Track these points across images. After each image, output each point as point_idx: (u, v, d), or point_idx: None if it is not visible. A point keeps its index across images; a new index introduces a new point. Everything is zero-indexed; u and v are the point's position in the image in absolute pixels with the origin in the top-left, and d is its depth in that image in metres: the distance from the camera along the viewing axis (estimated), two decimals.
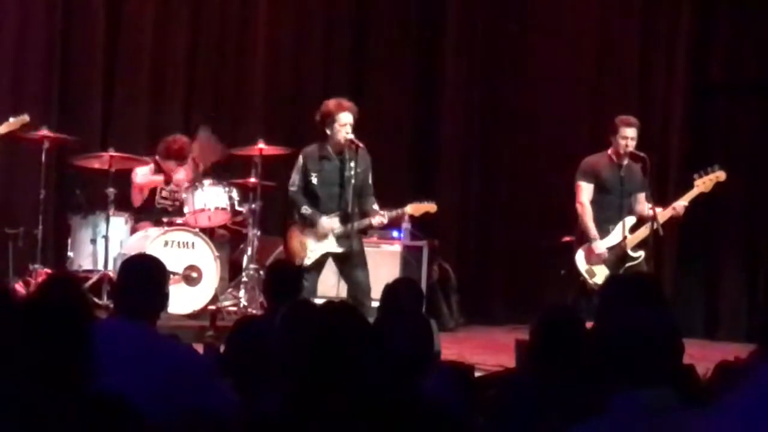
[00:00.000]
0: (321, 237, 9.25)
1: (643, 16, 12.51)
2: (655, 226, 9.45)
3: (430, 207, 9.68)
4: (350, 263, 9.24)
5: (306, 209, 9.24)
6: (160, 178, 10.66)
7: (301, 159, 9.36)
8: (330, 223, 9.22)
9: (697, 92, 12.28)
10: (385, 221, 9.56)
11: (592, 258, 9.62)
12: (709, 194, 9.79)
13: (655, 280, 6.76)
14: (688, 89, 12.25)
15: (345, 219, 9.23)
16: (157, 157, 10.64)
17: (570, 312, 5.06)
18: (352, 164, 9.19)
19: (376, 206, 9.41)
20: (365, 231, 9.85)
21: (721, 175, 9.73)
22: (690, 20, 12.24)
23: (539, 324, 4.76)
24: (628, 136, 9.56)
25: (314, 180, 9.27)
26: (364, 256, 9.34)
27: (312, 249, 9.25)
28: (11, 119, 9.89)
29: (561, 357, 4.51)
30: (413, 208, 9.67)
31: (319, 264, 9.33)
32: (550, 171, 11.75)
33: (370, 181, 9.37)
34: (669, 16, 12.37)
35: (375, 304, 8.20)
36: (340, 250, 9.25)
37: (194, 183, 10.41)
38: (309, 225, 9.28)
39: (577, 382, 4.27)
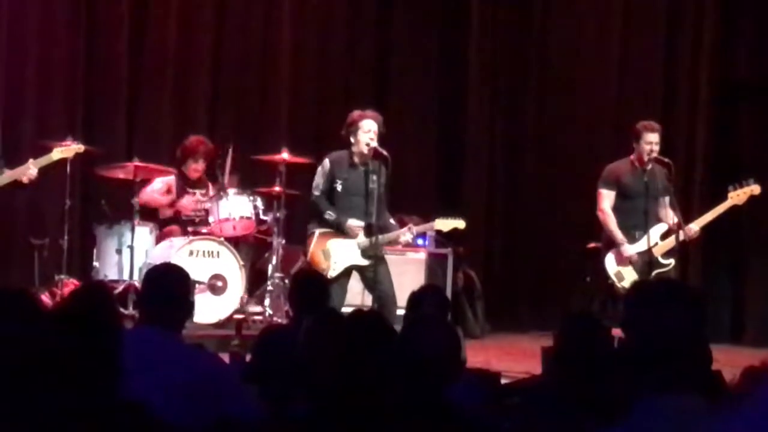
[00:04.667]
0: (346, 247, 9.20)
1: (666, 22, 12.48)
2: (681, 237, 9.43)
3: (459, 223, 9.64)
4: (374, 275, 9.20)
5: (330, 214, 9.20)
6: (164, 199, 10.60)
7: (327, 163, 9.30)
8: (358, 223, 9.18)
9: (721, 97, 12.24)
10: (411, 240, 9.56)
11: (621, 261, 9.60)
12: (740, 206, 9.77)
13: (686, 286, 6.74)
14: (714, 93, 12.20)
15: (369, 230, 9.21)
16: (177, 169, 10.64)
17: (593, 319, 5.05)
18: (374, 177, 9.19)
19: (392, 220, 9.43)
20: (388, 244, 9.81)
21: (756, 188, 9.69)
22: (714, 24, 12.20)
23: (563, 332, 4.76)
24: (652, 141, 9.54)
25: (339, 187, 9.23)
26: (387, 266, 9.31)
27: (336, 261, 9.22)
28: (63, 148, 9.85)
29: (586, 364, 4.50)
30: (441, 224, 9.65)
31: (346, 275, 9.30)
32: (575, 177, 11.72)
33: (384, 198, 9.36)
34: (693, 20, 12.34)
35: (400, 311, 8.19)
36: (365, 262, 9.21)
37: (218, 192, 10.42)
38: (334, 232, 9.25)
39: (602, 388, 4.26)
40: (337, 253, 9.22)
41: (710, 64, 12.21)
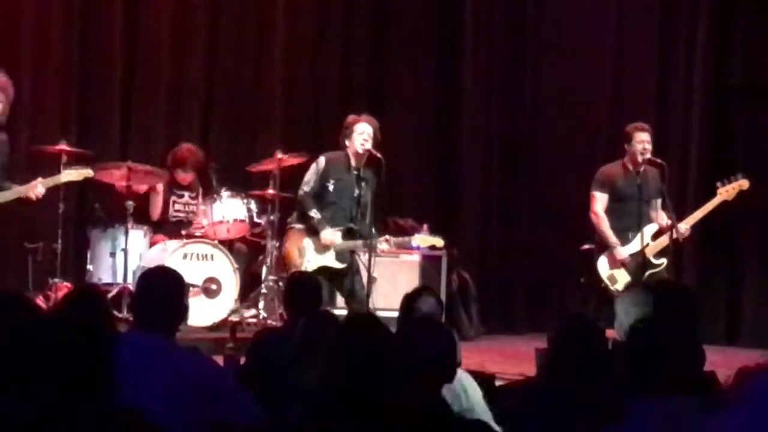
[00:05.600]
0: (321, 248, 9.28)
1: (661, 25, 12.50)
2: (674, 235, 9.43)
3: (437, 241, 9.78)
4: (346, 279, 9.29)
5: (315, 213, 9.26)
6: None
7: (322, 161, 9.34)
8: (332, 236, 9.23)
9: (716, 99, 12.24)
10: (387, 249, 9.59)
11: (614, 264, 9.60)
12: (731, 202, 9.76)
13: (680, 287, 6.74)
14: (708, 96, 12.21)
15: (349, 235, 9.27)
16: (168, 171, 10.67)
17: (589, 321, 5.06)
18: (364, 184, 9.26)
19: (374, 230, 9.45)
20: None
21: (744, 183, 9.68)
22: (708, 26, 12.21)
23: (558, 333, 4.76)
24: (644, 140, 9.54)
25: (331, 187, 9.28)
26: (360, 276, 9.32)
27: (309, 259, 9.29)
28: (72, 171, 9.83)
29: (580, 366, 4.50)
30: (420, 240, 9.82)
31: (321, 274, 9.32)
32: (570, 180, 11.72)
33: (371, 207, 9.37)
34: (687, 23, 12.35)
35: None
36: (338, 266, 9.28)
37: (212, 194, 10.44)
38: (312, 232, 9.29)
39: (597, 390, 4.26)
40: (311, 252, 9.28)
41: (704, 67, 12.21)
